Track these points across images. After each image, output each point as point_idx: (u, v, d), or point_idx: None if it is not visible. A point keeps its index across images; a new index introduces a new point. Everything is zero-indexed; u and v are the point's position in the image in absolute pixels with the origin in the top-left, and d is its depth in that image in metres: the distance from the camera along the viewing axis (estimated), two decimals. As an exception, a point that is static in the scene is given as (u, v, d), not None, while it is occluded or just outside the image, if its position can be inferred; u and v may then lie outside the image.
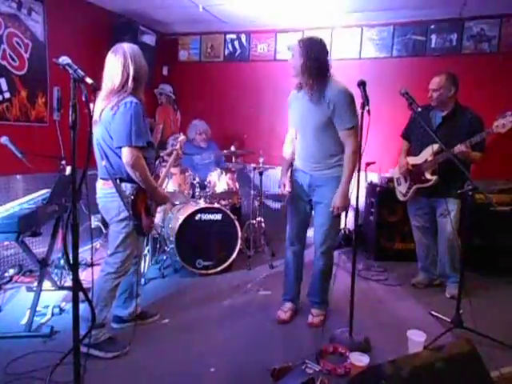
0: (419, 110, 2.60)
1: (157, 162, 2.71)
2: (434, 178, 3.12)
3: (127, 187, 2.25)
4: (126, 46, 2.25)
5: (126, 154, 2.14)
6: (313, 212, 2.79)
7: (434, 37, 4.45)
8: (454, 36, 4.39)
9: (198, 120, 4.63)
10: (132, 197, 2.24)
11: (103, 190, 2.29)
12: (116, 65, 2.20)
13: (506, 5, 3.92)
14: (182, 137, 3.05)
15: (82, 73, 1.55)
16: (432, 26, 4.44)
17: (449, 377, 1.59)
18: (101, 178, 2.31)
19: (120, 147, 2.16)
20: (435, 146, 3.03)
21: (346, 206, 2.57)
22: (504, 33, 4.19)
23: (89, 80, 1.55)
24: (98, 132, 2.23)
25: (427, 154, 3.15)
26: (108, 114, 2.16)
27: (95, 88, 1.56)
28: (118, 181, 2.23)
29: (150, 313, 2.78)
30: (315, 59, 2.44)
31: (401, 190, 3.44)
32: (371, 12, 4.27)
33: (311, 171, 2.67)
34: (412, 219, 3.50)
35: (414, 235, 3.51)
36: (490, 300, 3.20)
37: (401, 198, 3.46)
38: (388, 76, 4.52)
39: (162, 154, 2.89)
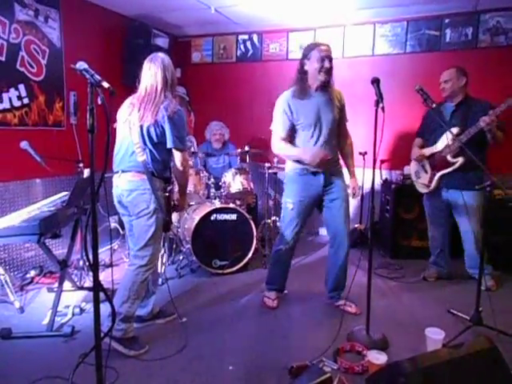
0: (434, 105, 2.59)
1: None
2: (459, 159, 3.11)
3: (156, 181, 2.37)
4: (163, 56, 2.45)
5: (182, 156, 2.39)
6: (326, 210, 2.89)
7: (448, 31, 4.38)
8: (469, 30, 4.31)
9: (215, 121, 4.68)
10: (167, 194, 2.44)
11: (133, 182, 2.35)
12: (157, 71, 2.38)
13: (522, -4, 3.84)
14: None
15: (99, 77, 1.57)
16: (446, 21, 4.37)
17: (469, 374, 1.58)
18: (130, 171, 2.36)
19: (174, 149, 2.37)
20: (454, 130, 3.04)
21: None
22: (521, 25, 4.11)
23: (105, 84, 1.58)
24: (145, 128, 2.33)
25: (446, 139, 3.17)
26: (163, 114, 2.31)
27: (112, 92, 1.58)
28: (150, 174, 2.36)
29: (168, 312, 2.82)
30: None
31: (422, 181, 3.42)
32: (383, 8, 4.23)
33: (324, 170, 2.75)
34: (428, 215, 3.52)
35: (430, 230, 3.54)
36: (509, 297, 3.15)
37: (424, 190, 3.42)
38: (402, 72, 4.47)
39: None
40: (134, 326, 2.55)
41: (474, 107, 3.15)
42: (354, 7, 4.20)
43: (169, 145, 2.35)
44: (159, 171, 2.40)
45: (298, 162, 2.79)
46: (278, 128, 2.83)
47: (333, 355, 2.30)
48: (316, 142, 2.75)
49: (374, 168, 2.38)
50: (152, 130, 2.33)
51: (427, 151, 3.36)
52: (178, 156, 2.39)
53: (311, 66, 2.66)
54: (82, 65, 1.58)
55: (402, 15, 4.45)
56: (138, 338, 2.45)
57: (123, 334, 2.35)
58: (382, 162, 4.16)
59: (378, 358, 2.14)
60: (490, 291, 3.10)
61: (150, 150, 2.36)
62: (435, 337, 2.29)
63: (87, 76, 1.56)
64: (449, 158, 3.16)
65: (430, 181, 3.33)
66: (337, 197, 2.82)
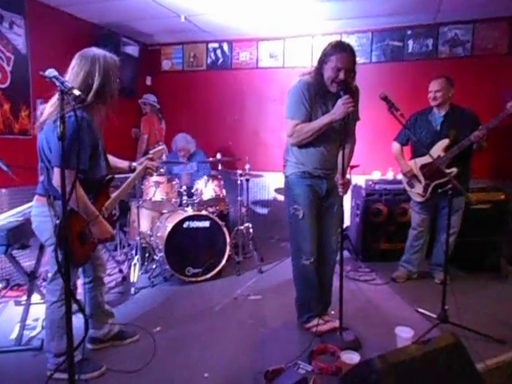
0: (399, 112, 2.69)
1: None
2: (454, 169, 3.24)
3: (60, 206, 1.78)
4: (99, 53, 2.07)
5: (56, 175, 1.88)
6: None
7: (410, 42, 4.59)
8: (429, 41, 4.53)
9: (181, 134, 4.67)
10: (57, 221, 1.87)
11: (36, 207, 2.09)
12: (79, 71, 2.01)
13: (477, 10, 4.07)
14: (161, 147, 2.68)
15: (69, 84, 1.56)
16: (409, 32, 4.58)
17: (435, 368, 1.65)
18: (36, 193, 2.10)
19: (54, 166, 1.92)
20: (445, 142, 3.26)
21: None
22: (476, 37, 4.35)
23: (76, 92, 1.57)
24: (41, 141, 2.00)
25: (438, 150, 3.33)
26: (51, 126, 1.93)
27: (83, 100, 1.58)
28: (51, 198, 2.00)
29: (129, 333, 2.61)
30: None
31: (417, 191, 3.51)
32: (350, 19, 4.38)
33: (327, 176, 2.61)
34: (415, 216, 3.63)
35: (413, 231, 3.63)
36: (473, 295, 3.29)
37: (419, 198, 3.52)
38: (368, 81, 4.59)
39: (134, 164, 2.52)
40: (91, 348, 2.45)
41: (461, 117, 3.34)
42: (323, 18, 4.33)
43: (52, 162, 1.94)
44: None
45: (302, 164, 2.56)
46: (291, 114, 2.49)
47: (308, 357, 2.33)
48: (322, 151, 2.54)
49: (343, 174, 2.45)
50: (40, 146, 2.02)
51: (417, 163, 3.48)
52: (55, 174, 1.91)
53: (326, 73, 2.44)
54: (51, 72, 1.56)
55: (367, 26, 4.62)
56: (87, 359, 2.22)
57: (63, 366, 1.89)
58: (352, 167, 4.26)
59: (351, 358, 2.19)
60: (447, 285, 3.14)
61: (48, 170, 2.02)
62: (405, 335, 2.37)
63: (57, 83, 1.55)
64: (443, 168, 3.27)
65: (425, 190, 3.45)
66: (334, 202, 2.64)
